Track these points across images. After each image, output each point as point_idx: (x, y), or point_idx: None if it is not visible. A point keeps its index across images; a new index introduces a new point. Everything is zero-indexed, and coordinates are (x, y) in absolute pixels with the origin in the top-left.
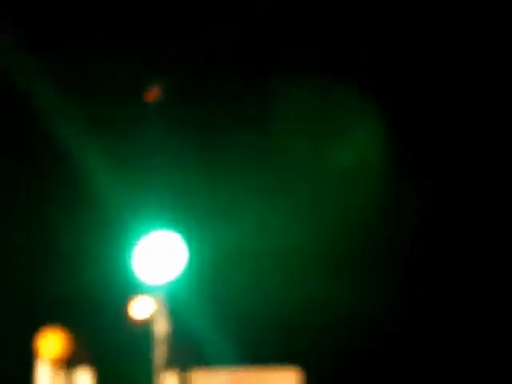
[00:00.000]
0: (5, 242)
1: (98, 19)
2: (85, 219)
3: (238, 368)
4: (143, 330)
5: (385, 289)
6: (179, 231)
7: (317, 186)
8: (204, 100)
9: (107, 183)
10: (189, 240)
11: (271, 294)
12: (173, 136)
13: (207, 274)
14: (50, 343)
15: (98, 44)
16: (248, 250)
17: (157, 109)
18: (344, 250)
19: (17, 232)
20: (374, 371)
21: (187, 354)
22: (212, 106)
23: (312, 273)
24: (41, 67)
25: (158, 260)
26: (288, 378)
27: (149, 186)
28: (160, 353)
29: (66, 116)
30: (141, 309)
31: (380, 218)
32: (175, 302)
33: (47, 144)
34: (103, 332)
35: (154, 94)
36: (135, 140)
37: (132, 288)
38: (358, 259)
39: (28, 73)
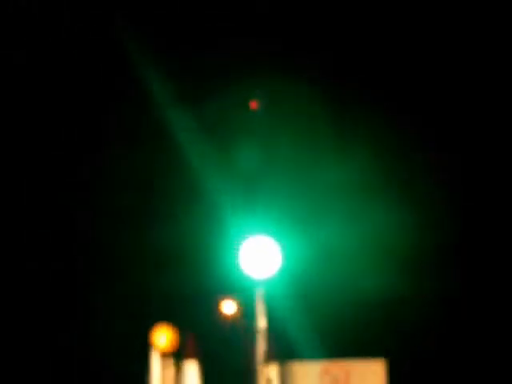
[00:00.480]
0: (117, 243)
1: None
2: (197, 224)
3: (329, 360)
4: (240, 324)
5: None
6: (275, 236)
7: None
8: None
9: (219, 189)
10: (284, 243)
11: (358, 293)
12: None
13: (300, 274)
14: (162, 338)
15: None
16: (337, 252)
17: (258, 117)
18: (426, 249)
19: (131, 232)
20: (451, 362)
21: (284, 348)
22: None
23: (394, 272)
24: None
25: (257, 260)
26: (375, 368)
27: (252, 193)
28: (261, 346)
29: (184, 126)
30: (231, 306)
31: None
32: (272, 299)
33: (169, 153)
34: (207, 327)
35: (256, 103)
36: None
37: (230, 286)
38: (437, 257)
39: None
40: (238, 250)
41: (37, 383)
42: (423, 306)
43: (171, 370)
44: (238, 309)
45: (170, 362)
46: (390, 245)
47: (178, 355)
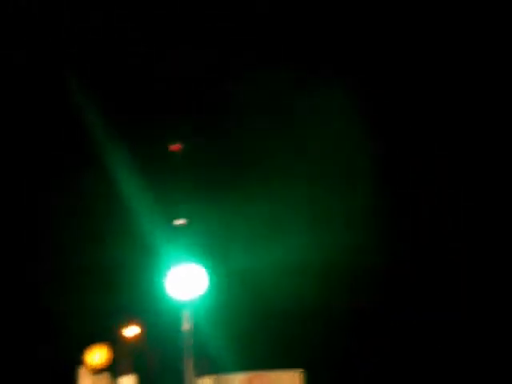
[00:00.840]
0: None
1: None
2: (130, 249)
3: (249, 372)
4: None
5: None
6: (201, 263)
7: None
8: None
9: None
10: (208, 269)
11: (274, 309)
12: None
13: (222, 296)
14: (96, 355)
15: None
16: (252, 275)
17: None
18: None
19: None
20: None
21: (206, 362)
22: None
23: (308, 287)
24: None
25: (185, 284)
26: (292, 378)
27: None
28: (189, 362)
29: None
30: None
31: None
32: (197, 319)
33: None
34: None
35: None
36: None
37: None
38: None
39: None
40: (165, 275)
41: None
42: (335, 319)
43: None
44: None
45: (104, 378)
46: (304, 263)
47: (112, 371)
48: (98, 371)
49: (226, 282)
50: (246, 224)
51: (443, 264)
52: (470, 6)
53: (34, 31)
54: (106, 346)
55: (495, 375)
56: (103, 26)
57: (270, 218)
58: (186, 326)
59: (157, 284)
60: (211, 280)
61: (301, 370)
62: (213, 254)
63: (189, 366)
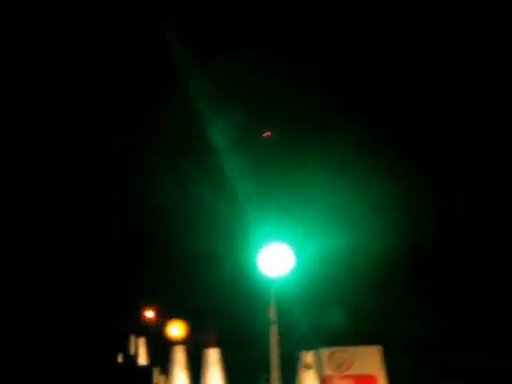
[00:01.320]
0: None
1: None
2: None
3: (333, 348)
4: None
5: None
6: (289, 242)
7: None
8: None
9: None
10: (296, 248)
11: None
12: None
13: (310, 274)
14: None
15: None
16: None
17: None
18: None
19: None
20: None
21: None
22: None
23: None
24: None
25: (274, 262)
26: (372, 353)
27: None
28: (273, 337)
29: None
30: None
31: None
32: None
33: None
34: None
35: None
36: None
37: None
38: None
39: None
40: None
41: None
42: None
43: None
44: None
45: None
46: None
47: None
48: (176, 343)
49: (312, 263)
50: (331, 209)
51: None
52: (470, 6)
53: (34, 31)
54: (183, 321)
55: None
56: (103, 26)
57: (358, 204)
58: (273, 302)
59: (246, 262)
60: (299, 260)
61: (379, 345)
62: (302, 235)
63: (273, 340)
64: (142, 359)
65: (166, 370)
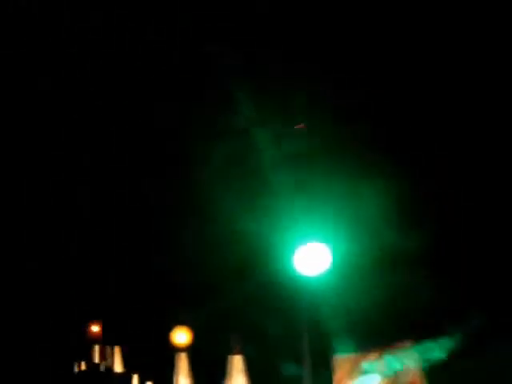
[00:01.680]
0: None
1: None
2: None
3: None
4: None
5: None
6: (326, 241)
7: None
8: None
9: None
10: (333, 247)
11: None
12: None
13: (346, 273)
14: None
15: None
16: (374, 255)
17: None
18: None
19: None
20: None
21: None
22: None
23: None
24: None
25: (310, 261)
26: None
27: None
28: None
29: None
30: None
31: None
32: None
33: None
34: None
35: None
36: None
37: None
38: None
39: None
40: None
41: None
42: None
43: None
44: None
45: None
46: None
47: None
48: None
49: (349, 262)
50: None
51: None
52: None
53: (34, 31)
54: (187, 328)
55: None
56: (103, 26)
57: (396, 204)
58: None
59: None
60: (335, 259)
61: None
62: (339, 234)
63: (305, 343)
64: (118, 367)
65: (146, 377)
